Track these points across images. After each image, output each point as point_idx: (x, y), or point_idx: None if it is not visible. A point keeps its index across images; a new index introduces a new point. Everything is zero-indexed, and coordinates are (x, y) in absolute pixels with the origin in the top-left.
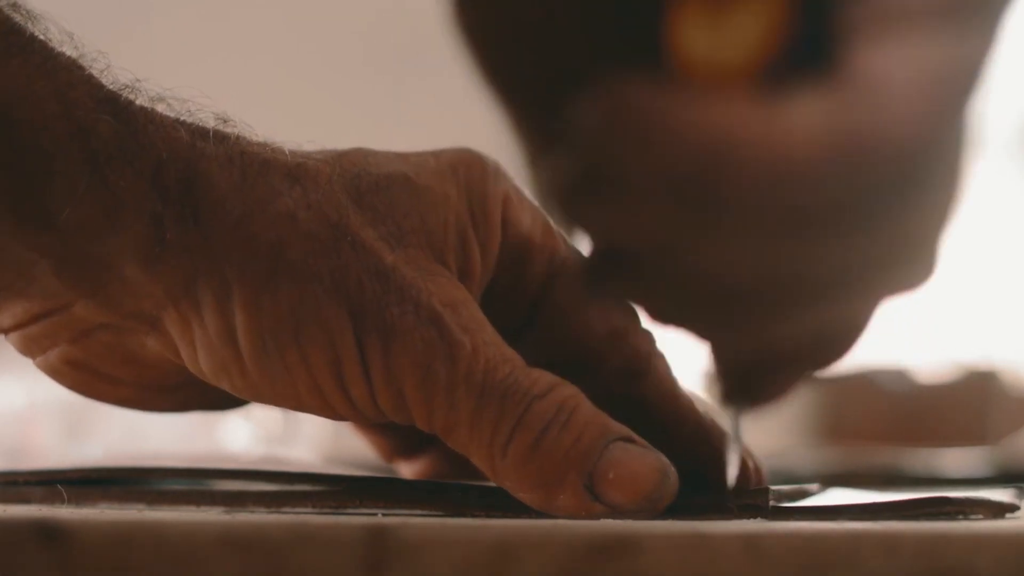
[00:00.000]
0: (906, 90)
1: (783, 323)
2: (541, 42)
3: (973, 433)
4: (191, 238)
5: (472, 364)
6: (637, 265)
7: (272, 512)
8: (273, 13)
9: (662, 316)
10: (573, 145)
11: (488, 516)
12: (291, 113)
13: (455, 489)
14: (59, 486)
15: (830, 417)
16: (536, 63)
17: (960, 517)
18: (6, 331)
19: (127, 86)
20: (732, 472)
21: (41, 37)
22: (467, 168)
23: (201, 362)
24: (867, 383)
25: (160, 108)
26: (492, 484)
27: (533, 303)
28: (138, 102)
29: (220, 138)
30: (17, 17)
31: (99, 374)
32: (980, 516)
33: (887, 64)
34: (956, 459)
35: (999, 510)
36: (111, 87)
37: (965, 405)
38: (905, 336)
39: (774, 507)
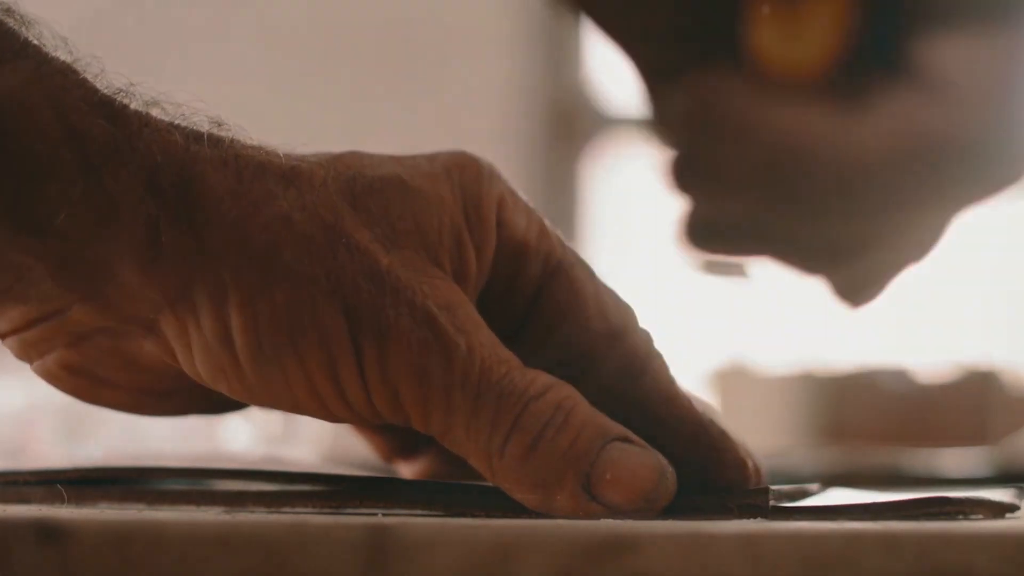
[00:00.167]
0: (973, 87)
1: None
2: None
3: (973, 433)
4: (187, 242)
5: (468, 366)
6: (732, 227)
7: (272, 512)
8: (270, 15)
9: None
10: (670, 130)
11: (488, 516)
12: (289, 116)
13: (455, 489)
14: (59, 486)
15: (830, 417)
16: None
17: (960, 517)
18: (2, 336)
19: (121, 90)
20: (732, 472)
21: (35, 42)
22: (461, 170)
23: (198, 365)
24: (867, 383)
25: (154, 112)
26: (492, 484)
27: (530, 304)
28: (132, 106)
29: (214, 141)
30: (11, 22)
31: (96, 379)
32: (980, 516)
33: (955, 62)
34: (956, 459)
35: (999, 510)
36: (105, 91)
37: (965, 405)
38: (905, 336)
39: (774, 507)
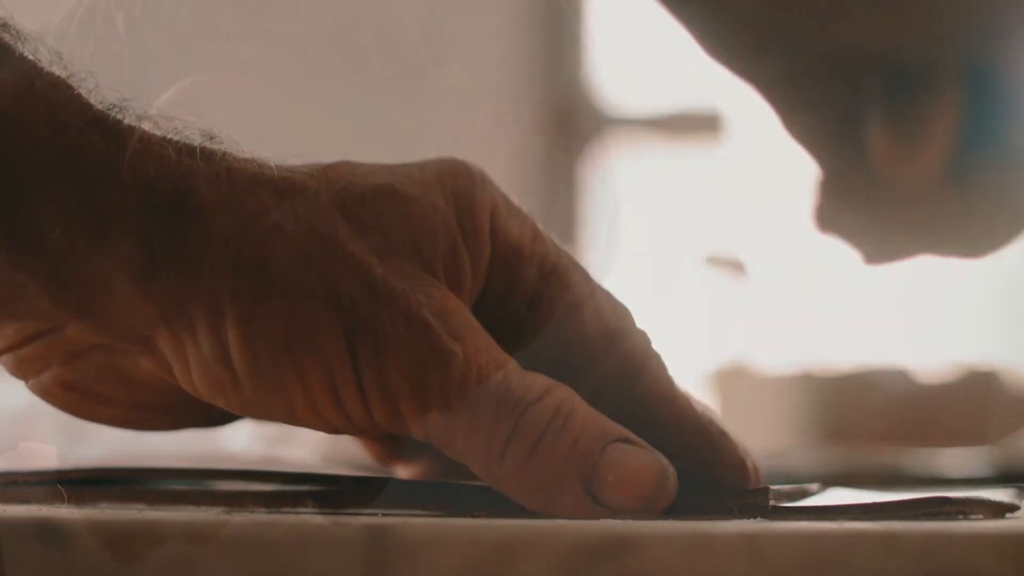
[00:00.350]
0: None
1: None
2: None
3: (973, 433)
4: (181, 257)
5: (464, 373)
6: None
7: (272, 512)
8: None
9: None
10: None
11: (488, 516)
12: (286, 116)
13: (455, 489)
14: (59, 486)
15: (830, 417)
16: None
17: (960, 517)
18: None
19: (115, 106)
20: (731, 472)
21: (30, 57)
22: (454, 177)
23: (196, 381)
24: (867, 383)
25: (147, 127)
26: None
27: (526, 308)
28: (126, 121)
29: (207, 155)
30: (6, 36)
31: (92, 395)
32: (980, 516)
33: None
34: (956, 459)
35: (999, 510)
36: (99, 107)
37: (965, 405)
38: (905, 336)
39: (774, 507)
